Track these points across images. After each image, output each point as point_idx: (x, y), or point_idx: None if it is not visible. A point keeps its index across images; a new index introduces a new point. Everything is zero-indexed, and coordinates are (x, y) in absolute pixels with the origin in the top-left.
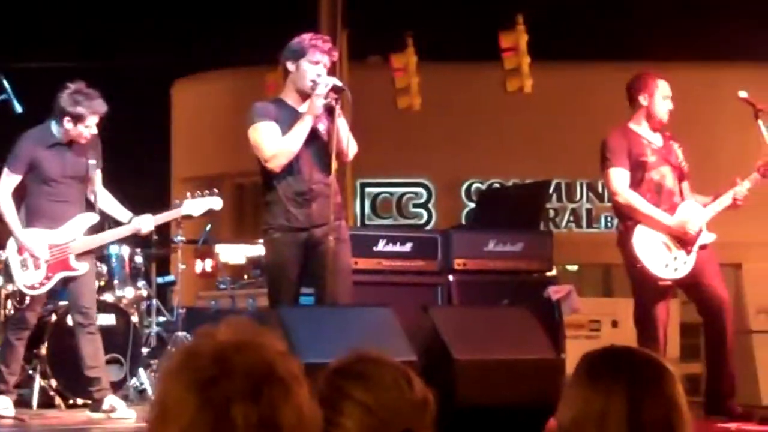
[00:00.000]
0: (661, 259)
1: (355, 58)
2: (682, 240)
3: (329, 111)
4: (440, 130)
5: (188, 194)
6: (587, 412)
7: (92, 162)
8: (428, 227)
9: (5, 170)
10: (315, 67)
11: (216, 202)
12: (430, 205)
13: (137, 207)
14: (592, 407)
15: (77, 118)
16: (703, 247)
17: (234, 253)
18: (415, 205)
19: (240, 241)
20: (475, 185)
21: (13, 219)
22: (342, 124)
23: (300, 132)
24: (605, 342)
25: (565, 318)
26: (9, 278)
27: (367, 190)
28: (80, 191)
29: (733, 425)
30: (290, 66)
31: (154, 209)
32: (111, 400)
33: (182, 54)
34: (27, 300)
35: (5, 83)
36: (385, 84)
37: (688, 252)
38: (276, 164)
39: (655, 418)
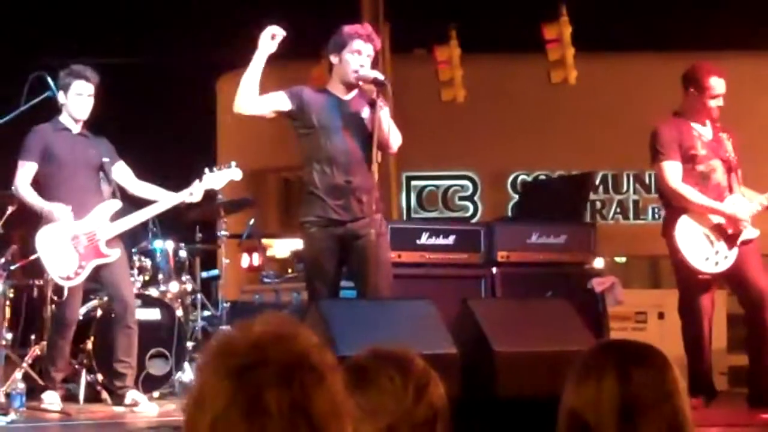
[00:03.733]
0: (702, 252)
1: (398, 50)
2: (726, 234)
3: (371, 104)
4: (485, 123)
5: (206, 169)
6: (583, 400)
7: (106, 159)
8: (474, 220)
9: (19, 162)
10: (357, 57)
11: (235, 173)
12: (476, 198)
13: None
14: (586, 395)
15: (65, 88)
16: (746, 242)
17: (281, 247)
18: (461, 198)
19: (287, 235)
20: (521, 177)
21: (35, 198)
22: (384, 115)
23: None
24: (652, 333)
25: (610, 310)
26: (40, 273)
27: (413, 183)
28: (95, 181)
29: None
30: (333, 59)
31: (202, 203)
32: (133, 394)
33: (227, 49)
34: (65, 293)
35: (50, 81)
36: (429, 77)
37: (730, 246)
38: (239, 105)
39: (646, 394)
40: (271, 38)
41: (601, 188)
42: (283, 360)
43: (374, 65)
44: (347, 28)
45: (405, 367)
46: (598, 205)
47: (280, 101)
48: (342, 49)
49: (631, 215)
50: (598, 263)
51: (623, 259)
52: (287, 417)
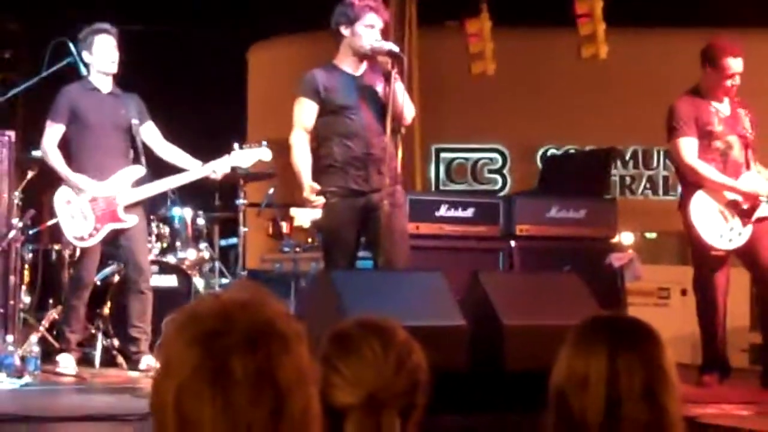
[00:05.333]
0: (716, 228)
1: (428, 23)
2: (741, 211)
3: (386, 76)
4: (515, 96)
5: (236, 145)
6: (571, 376)
7: (135, 121)
8: (503, 193)
9: (47, 122)
10: (371, 30)
11: (265, 153)
12: (505, 171)
13: None
14: (575, 371)
15: (89, 47)
16: (761, 220)
17: (306, 217)
18: (490, 171)
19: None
20: (550, 151)
21: (60, 165)
22: (399, 87)
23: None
24: (674, 310)
25: (629, 285)
26: (59, 238)
27: (442, 155)
28: (123, 144)
29: None
30: (344, 31)
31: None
32: (148, 359)
33: (258, 18)
34: (78, 252)
35: (71, 47)
36: (459, 49)
37: (745, 223)
38: (291, 145)
39: (633, 381)
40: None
41: (631, 163)
42: (249, 327)
43: (401, 37)
44: (357, 1)
45: (387, 338)
46: (628, 180)
47: (312, 112)
48: (354, 22)
49: (660, 191)
50: (628, 239)
51: (654, 235)
52: (252, 383)
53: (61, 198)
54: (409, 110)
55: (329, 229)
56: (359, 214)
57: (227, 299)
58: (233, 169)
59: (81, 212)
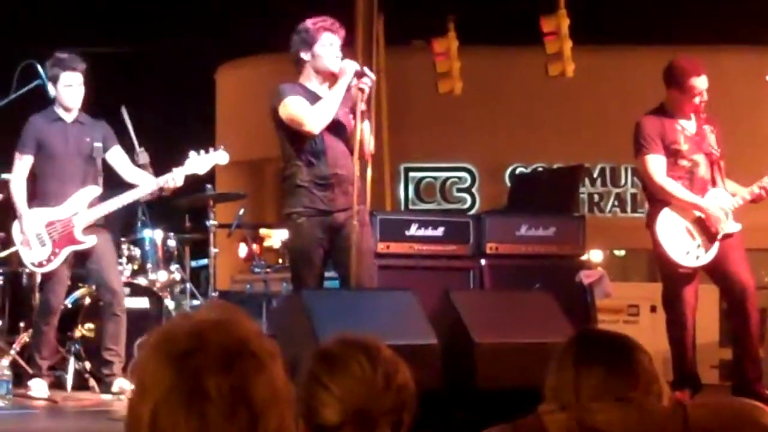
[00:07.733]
0: (683, 245)
1: (395, 42)
2: (707, 228)
3: (354, 100)
4: (482, 115)
5: (192, 152)
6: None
7: (97, 145)
8: (472, 212)
9: (16, 154)
10: (330, 49)
11: (221, 157)
12: (473, 190)
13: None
14: (566, 375)
15: (54, 79)
16: (727, 236)
17: (278, 238)
18: (459, 190)
19: (282, 225)
20: (519, 169)
21: (20, 201)
22: (363, 107)
23: (336, 95)
24: (644, 327)
25: (599, 302)
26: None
27: (411, 174)
28: (84, 170)
29: None
30: (305, 55)
31: (191, 192)
32: (120, 382)
33: (226, 39)
34: (38, 279)
35: (39, 69)
36: (426, 68)
37: (712, 240)
38: (316, 126)
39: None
40: (355, 74)
41: (599, 181)
42: (223, 346)
43: (368, 57)
44: (312, 24)
45: (373, 354)
46: (596, 198)
47: (309, 103)
48: (312, 45)
49: (629, 208)
50: (597, 256)
51: (622, 253)
52: (227, 402)
53: (18, 227)
54: (371, 139)
55: (298, 249)
56: (326, 233)
57: (200, 319)
58: (197, 180)
59: (39, 238)
